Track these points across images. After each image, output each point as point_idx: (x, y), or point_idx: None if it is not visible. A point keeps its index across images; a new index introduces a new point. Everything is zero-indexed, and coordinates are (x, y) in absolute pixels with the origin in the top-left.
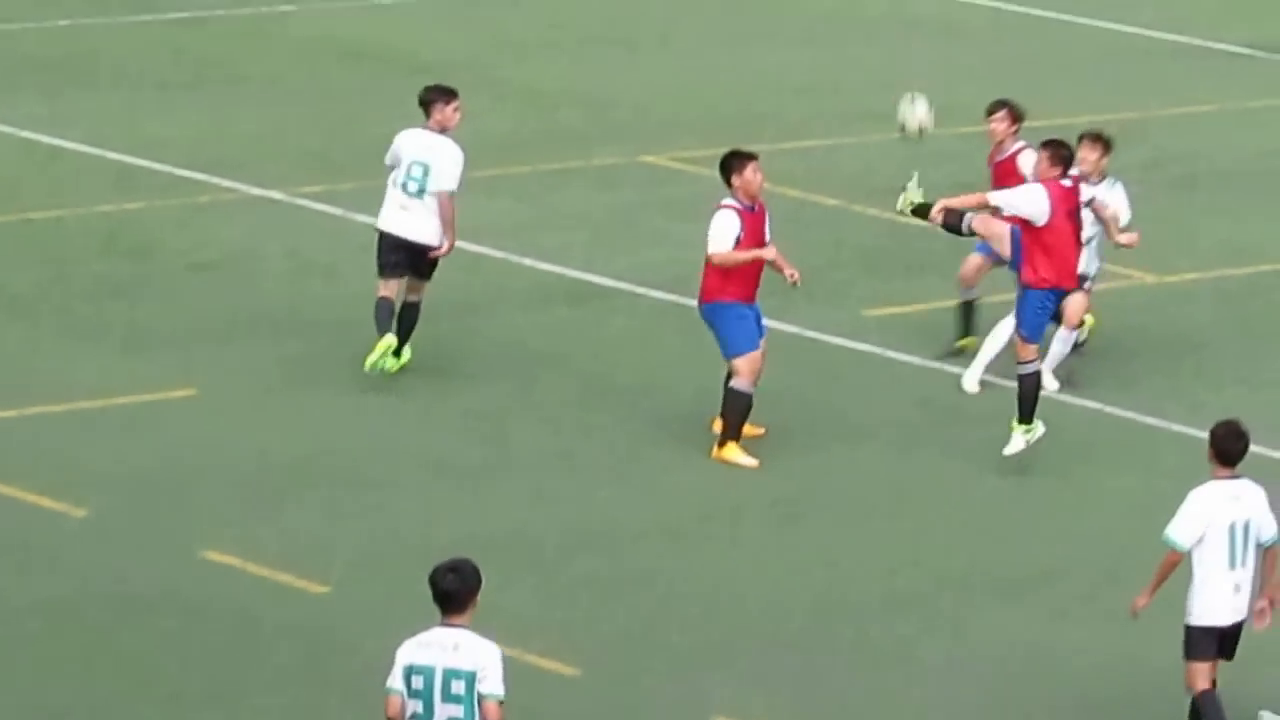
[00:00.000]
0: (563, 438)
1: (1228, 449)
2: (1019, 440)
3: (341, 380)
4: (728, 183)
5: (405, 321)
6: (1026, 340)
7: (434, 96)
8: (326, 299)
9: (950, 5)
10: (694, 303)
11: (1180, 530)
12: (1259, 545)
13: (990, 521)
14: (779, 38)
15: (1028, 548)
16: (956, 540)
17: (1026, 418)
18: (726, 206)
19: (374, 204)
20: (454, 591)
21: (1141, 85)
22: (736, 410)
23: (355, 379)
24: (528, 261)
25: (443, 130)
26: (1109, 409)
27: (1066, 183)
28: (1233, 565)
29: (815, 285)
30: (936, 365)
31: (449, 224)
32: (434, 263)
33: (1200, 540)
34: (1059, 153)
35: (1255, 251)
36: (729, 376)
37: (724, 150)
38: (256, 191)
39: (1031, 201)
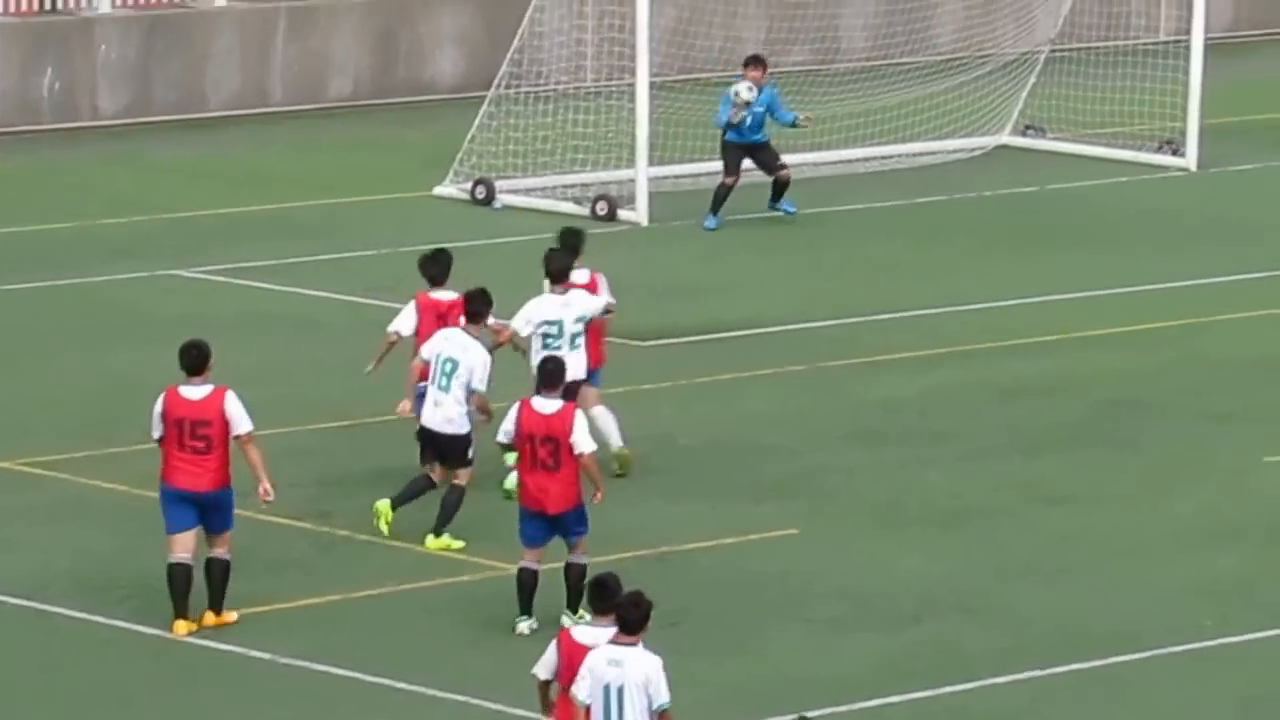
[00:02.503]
0: None
1: (624, 617)
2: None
3: None
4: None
5: (447, 504)
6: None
7: (480, 308)
8: None
9: (304, 301)
10: (56, 609)
11: (579, 688)
12: (652, 710)
13: None
14: (133, 339)
15: None
16: None
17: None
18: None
19: None
20: None
21: None
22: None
23: None
24: None
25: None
26: None
27: None
28: None
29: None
30: (303, 664)
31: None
32: (464, 451)
33: None
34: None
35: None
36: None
37: (80, 455)
38: None
39: None
